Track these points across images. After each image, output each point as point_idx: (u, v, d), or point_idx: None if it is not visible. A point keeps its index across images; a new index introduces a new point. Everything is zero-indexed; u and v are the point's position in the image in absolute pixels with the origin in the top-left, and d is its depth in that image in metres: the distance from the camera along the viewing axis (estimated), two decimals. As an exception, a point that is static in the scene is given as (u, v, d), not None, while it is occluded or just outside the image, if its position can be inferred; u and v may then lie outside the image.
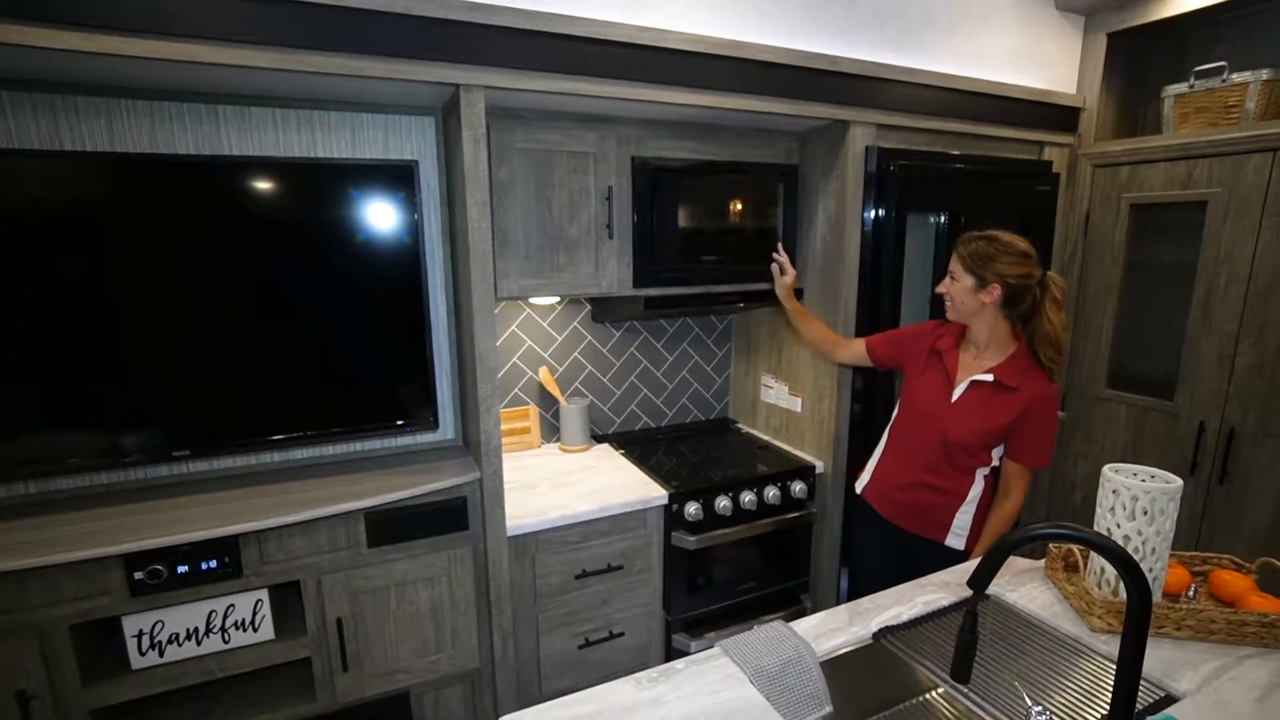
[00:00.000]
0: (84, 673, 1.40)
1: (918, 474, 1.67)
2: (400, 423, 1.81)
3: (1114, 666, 1.15)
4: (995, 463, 1.62)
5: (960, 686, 1.13)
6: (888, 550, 1.78)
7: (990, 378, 1.55)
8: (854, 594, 2.10)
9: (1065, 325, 1.55)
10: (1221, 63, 2.04)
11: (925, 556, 1.67)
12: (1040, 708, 1.02)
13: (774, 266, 2.05)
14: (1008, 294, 1.50)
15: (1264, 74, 1.94)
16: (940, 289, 1.61)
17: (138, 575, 1.40)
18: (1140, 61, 2.45)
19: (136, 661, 1.46)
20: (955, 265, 1.57)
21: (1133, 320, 2.34)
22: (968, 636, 0.93)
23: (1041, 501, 2.65)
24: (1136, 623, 0.83)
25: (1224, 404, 2.04)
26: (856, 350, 1.88)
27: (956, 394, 1.60)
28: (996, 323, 1.55)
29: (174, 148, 1.54)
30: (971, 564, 1.52)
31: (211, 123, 1.56)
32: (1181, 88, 2.13)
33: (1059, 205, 2.40)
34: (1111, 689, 1.10)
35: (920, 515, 1.68)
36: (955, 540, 1.65)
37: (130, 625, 1.44)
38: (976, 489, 1.62)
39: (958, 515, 1.64)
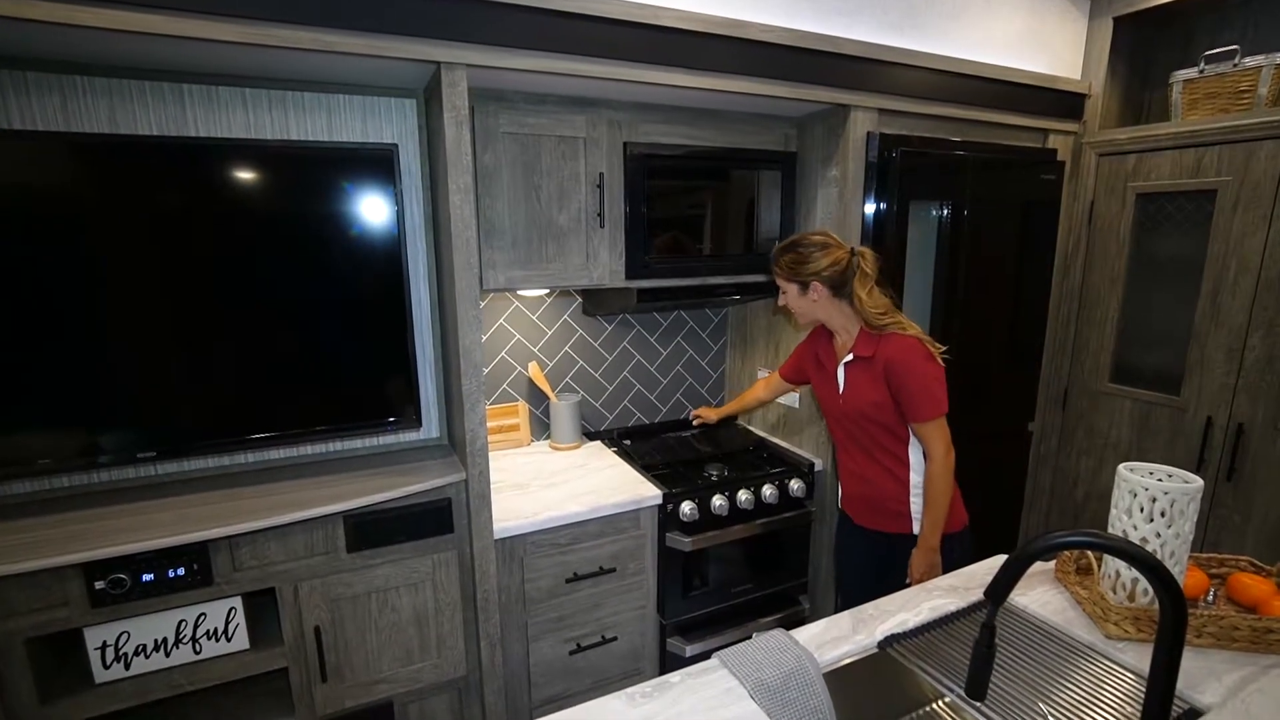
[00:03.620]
0: (42, 689, 1.32)
1: (859, 468, 1.69)
2: (381, 421, 1.73)
3: (1133, 675, 1.10)
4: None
5: (973, 701, 1.07)
6: (870, 557, 1.74)
7: (851, 356, 1.61)
8: (846, 605, 2.05)
9: (874, 297, 1.54)
10: (1233, 46, 1.97)
11: (903, 553, 1.64)
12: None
13: (695, 419, 2.22)
14: (829, 284, 1.55)
15: (1277, 58, 1.88)
16: (779, 303, 1.67)
17: (99, 585, 1.32)
18: (1146, 47, 2.39)
19: (100, 675, 1.38)
20: (778, 280, 1.63)
21: (1138, 313, 2.29)
22: (984, 651, 0.87)
23: (1044, 497, 2.60)
24: (1172, 639, 0.77)
25: (1232, 398, 1.99)
26: (775, 382, 1.97)
27: (840, 384, 1.65)
28: (837, 309, 1.59)
29: (135, 129, 1.44)
30: (977, 567, 1.46)
31: (176, 102, 1.47)
32: (1191, 73, 2.07)
33: (1063, 195, 2.34)
34: (1132, 700, 1.04)
35: (880, 510, 1.67)
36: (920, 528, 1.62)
37: (93, 637, 1.36)
38: (917, 474, 1.61)
39: (912, 502, 1.62)
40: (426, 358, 1.82)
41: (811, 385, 1.82)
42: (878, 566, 1.72)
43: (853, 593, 1.81)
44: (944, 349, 1.56)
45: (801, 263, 1.56)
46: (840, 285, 1.56)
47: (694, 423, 2.23)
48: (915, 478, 1.61)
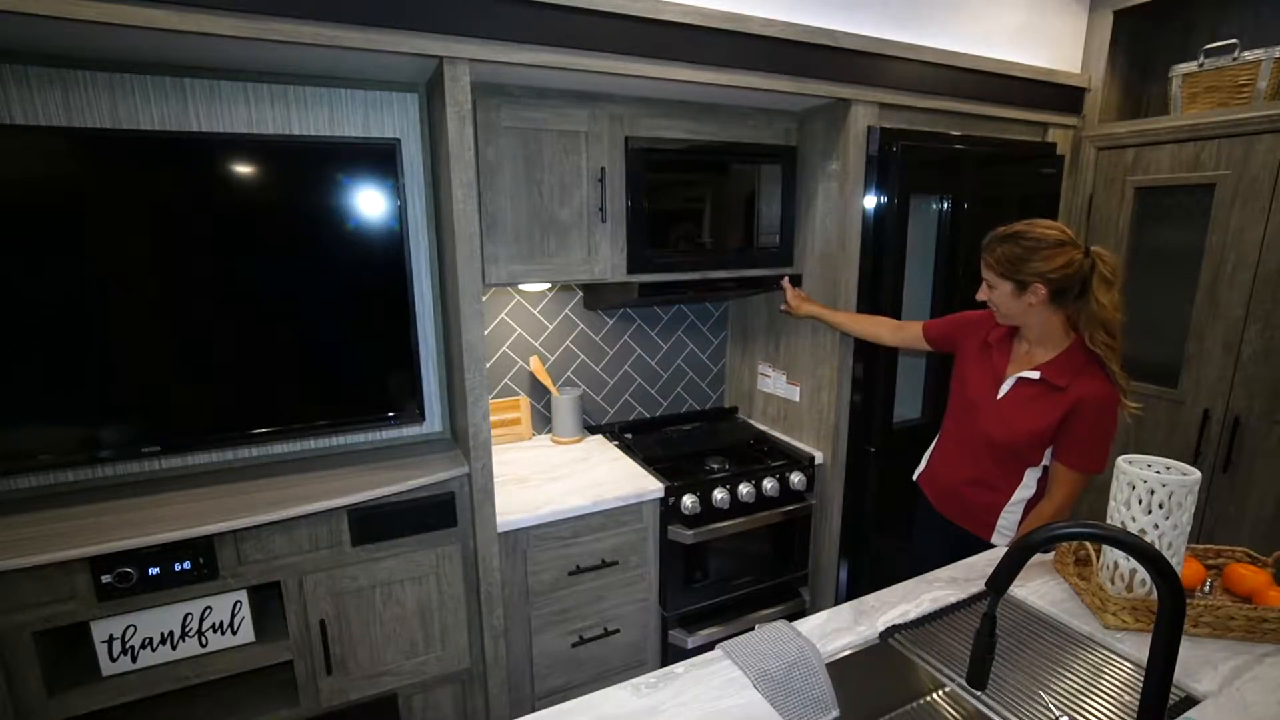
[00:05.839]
0: (50, 682, 1.33)
1: (963, 467, 1.59)
2: (384, 415, 1.73)
3: (1131, 664, 1.11)
4: (1047, 462, 1.51)
5: (974, 690, 1.08)
6: (941, 542, 1.67)
7: (1036, 375, 1.44)
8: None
9: (1117, 305, 1.36)
10: (1232, 40, 1.98)
11: (975, 553, 1.56)
12: (1067, 718, 0.97)
13: (785, 288, 2.09)
14: (1053, 290, 1.37)
15: (1277, 51, 1.88)
16: (980, 296, 1.49)
17: (105, 579, 1.32)
18: (1146, 40, 2.39)
19: (107, 668, 1.39)
20: (987, 272, 1.45)
21: (1136, 306, 2.26)
22: (985, 641, 0.88)
23: (1040, 490, 2.62)
24: (1169, 628, 0.78)
25: (1229, 391, 2.01)
26: (912, 332, 1.80)
27: (1003, 390, 1.50)
28: (1049, 319, 1.43)
29: (137, 124, 1.44)
30: (978, 558, 1.47)
31: (178, 97, 1.47)
32: (1190, 66, 2.07)
33: (1062, 188, 2.35)
34: (1130, 689, 1.06)
35: (966, 510, 1.60)
36: (1001, 539, 1.55)
37: (99, 630, 1.37)
38: (1025, 490, 1.51)
39: (1003, 514, 1.54)
40: (429, 352, 1.83)
41: (955, 364, 1.66)
42: (950, 558, 1.58)
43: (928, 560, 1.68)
44: (1138, 405, 1.43)
45: (1024, 260, 1.36)
46: (1063, 294, 1.38)
47: (785, 289, 2.09)
48: (1020, 494, 1.51)
